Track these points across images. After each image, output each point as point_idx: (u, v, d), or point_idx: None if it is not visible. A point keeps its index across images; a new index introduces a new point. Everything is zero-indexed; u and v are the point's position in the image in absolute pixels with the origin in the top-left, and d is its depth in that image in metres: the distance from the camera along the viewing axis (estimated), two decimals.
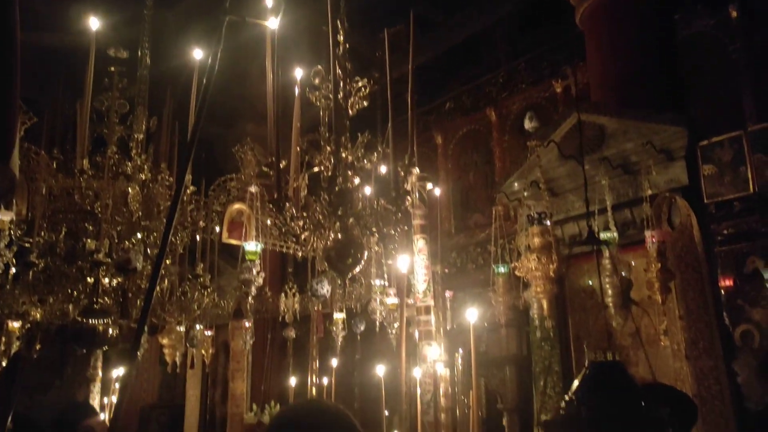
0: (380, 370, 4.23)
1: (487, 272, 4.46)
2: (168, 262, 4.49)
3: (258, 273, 3.13)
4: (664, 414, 1.70)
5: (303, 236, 2.53)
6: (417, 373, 3.90)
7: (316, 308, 4.59)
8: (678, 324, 3.51)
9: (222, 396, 6.50)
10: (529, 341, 4.38)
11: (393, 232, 2.64)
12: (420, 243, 3.51)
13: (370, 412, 6.01)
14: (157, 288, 4.34)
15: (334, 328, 5.00)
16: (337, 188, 2.56)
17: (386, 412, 4.29)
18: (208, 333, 5.81)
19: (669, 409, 1.78)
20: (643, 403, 1.69)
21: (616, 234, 3.43)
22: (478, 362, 4.39)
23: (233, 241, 3.62)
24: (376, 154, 2.63)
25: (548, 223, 3.51)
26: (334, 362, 4.88)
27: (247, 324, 5.45)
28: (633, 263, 3.83)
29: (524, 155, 4.58)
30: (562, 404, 1.75)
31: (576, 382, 1.78)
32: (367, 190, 2.61)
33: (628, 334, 3.75)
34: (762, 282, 3.76)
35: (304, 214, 2.40)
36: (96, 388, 5.33)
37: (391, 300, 4.36)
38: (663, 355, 3.66)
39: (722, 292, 3.77)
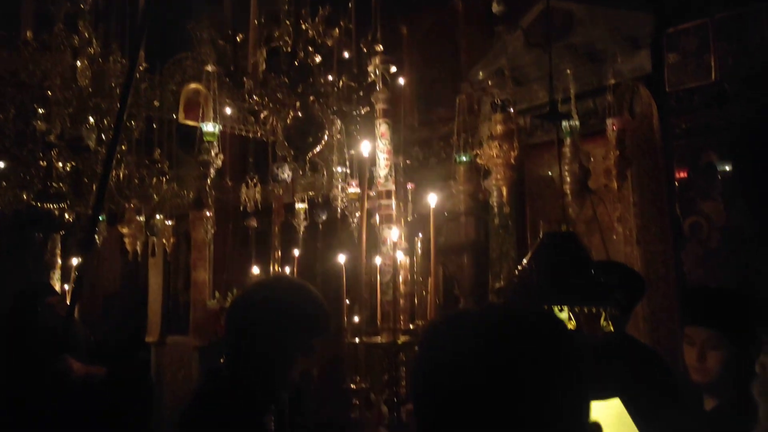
0: (341, 258, 4.29)
1: (449, 166, 4.47)
2: (123, 148, 4.38)
3: (217, 155, 3.08)
4: (613, 283, 1.76)
5: (262, 115, 2.47)
6: (378, 261, 3.97)
7: (276, 192, 4.57)
8: (631, 211, 3.61)
9: (184, 284, 6.56)
10: (488, 229, 4.47)
11: (355, 112, 2.60)
12: (383, 127, 3.47)
13: (331, 301, 6.15)
14: (114, 173, 4.25)
15: (296, 219, 5.01)
16: (297, 64, 2.49)
17: (347, 301, 4.39)
18: (169, 223, 5.78)
19: (618, 281, 1.85)
20: (593, 271, 1.75)
21: (578, 122, 3.44)
22: (437, 250, 4.48)
23: (190, 122, 3.53)
24: (338, 30, 2.53)
25: (511, 110, 3.50)
26: (296, 252, 4.93)
27: (208, 214, 5.43)
28: (592, 156, 3.87)
29: (491, 46, 4.49)
30: (516, 272, 1.80)
31: (530, 252, 1.82)
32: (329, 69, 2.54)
33: (583, 221, 3.85)
34: (715, 175, 3.86)
35: (263, 92, 2.33)
36: (56, 275, 5.31)
37: (353, 189, 4.36)
38: (615, 242, 3.78)
39: (676, 184, 3.87)
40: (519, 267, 1.81)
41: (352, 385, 3.61)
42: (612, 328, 1.72)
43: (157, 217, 5.56)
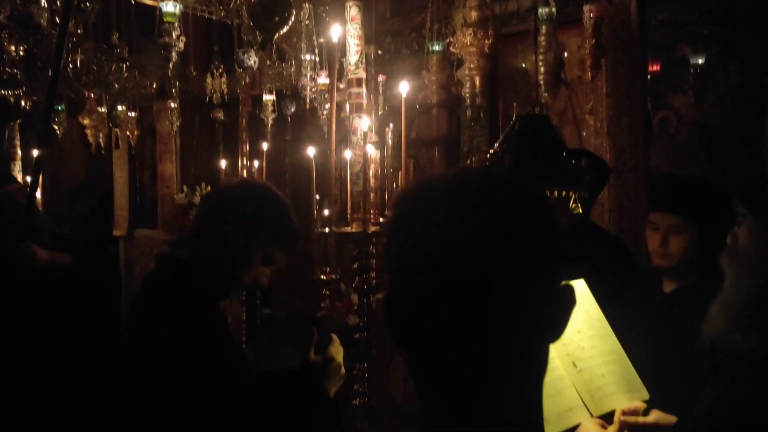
0: (311, 152, 4.23)
1: (421, 58, 4.34)
2: (79, 32, 4.15)
3: (178, 37, 2.93)
4: (584, 165, 1.76)
5: None
6: (348, 155, 3.92)
7: (243, 83, 4.43)
8: (604, 102, 3.59)
9: (151, 178, 6.46)
10: (459, 122, 4.43)
11: None
12: (353, 10, 3.32)
13: (301, 198, 6.14)
14: (70, 58, 4.05)
15: (264, 111, 4.89)
16: None
17: (317, 196, 4.37)
18: (132, 114, 5.61)
19: (586, 165, 1.84)
20: (565, 154, 1.74)
21: (554, 9, 3.33)
22: (408, 143, 4.44)
23: (149, 2, 3.33)
24: None
25: None
26: (265, 146, 4.84)
27: (172, 105, 5.27)
28: (567, 47, 3.79)
29: None
30: (488, 156, 1.78)
31: (502, 135, 1.80)
32: None
33: (555, 113, 3.82)
34: (688, 68, 3.83)
35: None
36: (17, 167, 5.17)
37: (322, 80, 4.24)
38: (586, 135, 3.78)
39: (648, 77, 3.84)
40: (491, 150, 1.79)
41: (323, 276, 3.65)
42: (580, 210, 1.74)
43: (120, 108, 5.38)
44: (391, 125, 3.79)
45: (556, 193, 1.69)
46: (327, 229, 3.39)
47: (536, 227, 0.74)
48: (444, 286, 0.71)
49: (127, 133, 5.61)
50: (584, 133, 3.81)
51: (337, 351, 1.63)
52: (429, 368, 0.76)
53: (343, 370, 1.63)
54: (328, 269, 3.67)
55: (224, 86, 4.98)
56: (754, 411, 1.29)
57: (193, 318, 1.48)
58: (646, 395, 1.86)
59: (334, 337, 1.67)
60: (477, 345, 0.71)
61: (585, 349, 1.83)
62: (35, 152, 5.10)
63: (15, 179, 3.36)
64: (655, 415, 1.71)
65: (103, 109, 5.41)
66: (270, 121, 4.97)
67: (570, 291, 0.77)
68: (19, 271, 2.46)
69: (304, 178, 5.65)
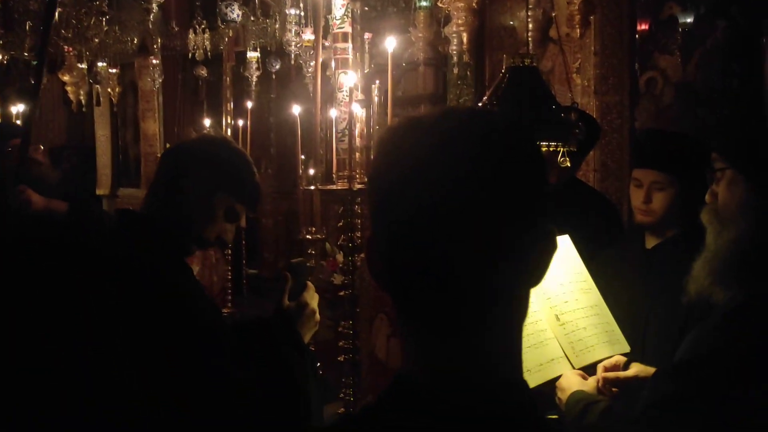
0: (296, 110, 4.18)
1: (408, 16, 4.28)
2: None
3: None
4: (574, 119, 1.75)
5: None
6: (333, 114, 3.88)
7: (227, 38, 4.35)
8: (591, 60, 3.56)
9: (134, 136, 6.37)
10: (446, 80, 4.39)
11: None
12: None
13: (286, 157, 6.10)
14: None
15: (248, 69, 4.81)
16: None
17: (302, 156, 4.34)
18: (113, 71, 5.50)
19: (576, 120, 1.83)
20: (554, 107, 1.73)
21: None
22: (395, 101, 4.40)
23: None
24: None
25: None
26: (249, 104, 4.78)
27: (154, 61, 5.17)
28: (556, 4, 3.74)
29: None
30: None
31: (491, 88, 1.78)
32: None
33: (542, 72, 3.79)
34: (676, 27, 3.81)
35: None
36: None
37: (308, 36, 4.16)
38: (572, 94, 3.76)
39: (636, 36, 3.82)
40: (479, 103, 1.77)
41: (308, 236, 3.64)
42: (569, 164, 1.74)
43: (100, 64, 5.28)
44: (377, 82, 3.76)
45: (544, 146, 1.69)
46: (312, 187, 3.38)
47: (521, 164, 0.73)
48: (428, 224, 0.70)
49: (109, 90, 5.52)
50: (569, 94, 3.79)
51: (312, 297, 1.63)
52: (412, 308, 0.76)
53: (317, 316, 1.63)
54: (314, 229, 3.67)
55: (207, 42, 4.89)
56: (724, 358, 1.32)
57: (156, 271, 1.46)
58: (626, 348, 1.89)
59: (309, 283, 1.66)
60: (458, 284, 0.71)
61: (568, 302, 1.85)
62: (14, 108, 5.01)
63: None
64: (635, 369, 1.75)
65: (84, 66, 5.31)
66: (254, 79, 4.89)
67: (552, 235, 0.77)
68: (12, 217, 2.41)
69: (290, 137, 5.60)
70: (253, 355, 1.50)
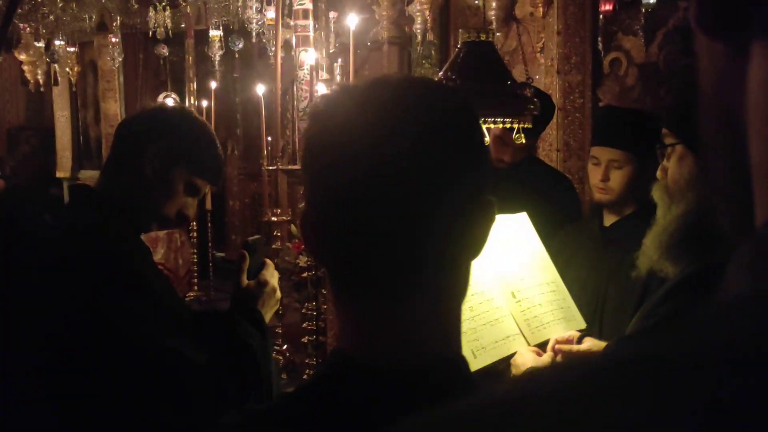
0: (260, 90, 4.12)
1: None
2: None
3: None
4: (529, 95, 1.74)
5: None
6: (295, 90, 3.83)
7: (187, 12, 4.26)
8: (555, 40, 3.56)
9: (95, 117, 6.23)
10: (411, 60, 4.36)
11: None
12: None
13: (252, 138, 6.02)
14: None
15: (211, 48, 4.72)
16: None
17: (269, 138, 4.29)
18: (71, 49, 5.36)
19: (532, 96, 1.82)
20: (509, 83, 1.72)
21: None
22: (358, 79, 4.35)
23: None
24: None
25: None
26: (213, 84, 4.70)
27: (113, 39, 5.05)
28: None
29: None
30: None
31: (447, 64, 1.76)
32: None
33: (506, 52, 3.79)
34: (639, 8, 3.82)
35: None
36: None
37: (271, 14, 4.10)
38: (536, 74, 3.77)
39: (600, 17, 3.83)
40: (434, 79, 1.75)
41: (273, 218, 3.61)
42: (524, 141, 1.73)
43: (58, 42, 5.14)
44: (340, 61, 3.72)
45: (500, 122, 1.68)
46: (273, 167, 3.34)
47: (455, 131, 0.72)
48: (360, 192, 0.69)
49: (67, 69, 5.37)
50: (537, 76, 3.80)
51: (272, 275, 1.57)
52: (347, 281, 0.74)
53: (278, 293, 1.58)
54: (279, 211, 3.63)
55: (168, 20, 4.78)
56: (674, 327, 1.32)
57: (105, 249, 1.39)
58: (582, 324, 1.91)
59: (268, 261, 1.60)
60: (392, 253, 0.70)
61: (524, 279, 1.85)
62: None
63: None
64: (588, 343, 1.76)
65: (41, 44, 5.16)
66: (218, 58, 4.80)
67: (491, 206, 0.75)
68: None
69: (256, 118, 5.53)
70: (214, 337, 1.47)
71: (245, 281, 1.52)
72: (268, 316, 1.54)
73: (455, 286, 0.75)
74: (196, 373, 1.33)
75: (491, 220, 0.75)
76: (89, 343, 1.31)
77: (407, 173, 0.68)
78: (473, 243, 0.74)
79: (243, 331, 1.43)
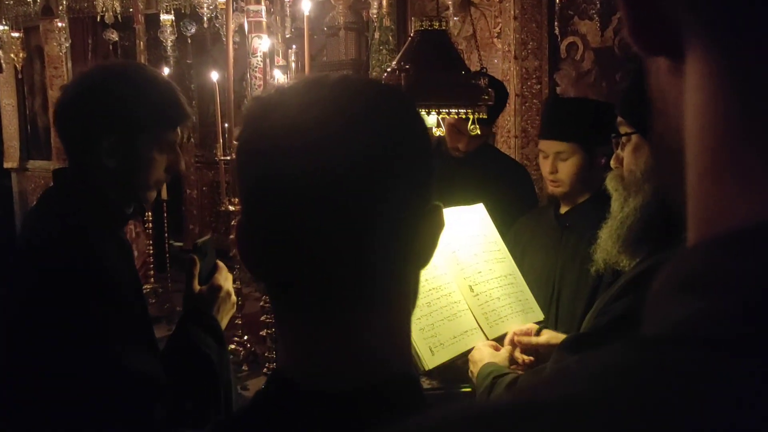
0: (214, 76, 4.02)
1: None
2: None
3: None
4: (483, 85, 1.70)
5: None
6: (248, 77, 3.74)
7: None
8: (511, 25, 3.54)
9: (42, 105, 6.01)
10: (369, 45, 4.31)
11: None
12: None
13: (210, 126, 5.90)
14: None
15: (162, 32, 4.58)
16: None
17: (225, 125, 4.21)
18: (16, 35, 5.15)
19: (486, 85, 1.79)
20: (463, 72, 1.68)
21: None
22: (318, 67, 4.28)
23: None
24: None
25: None
26: (166, 70, 4.56)
27: (59, 24, 4.87)
28: None
29: None
30: (384, 74, 1.69)
31: (400, 53, 1.72)
32: None
33: (464, 38, 3.76)
34: None
35: None
36: None
37: None
38: (494, 59, 3.75)
39: (557, 1, 3.82)
40: (388, 68, 1.71)
41: (231, 207, 3.53)
42: (479, 132, 1.70)
43: (1, 27, 4.93)
44: (294, 47, 3.63)
45: (454, 113, 1.64)
46: (229, 158, 3.25)
47: (399, 134, 0.67)
48: (299, 203, 0.64)
49: (12, 56, 5.16)
50: (495, 60, 3.78)
51: (225, 278, 1.48)
52: (287, 298, 0.70)
53: (234, 297, 1.50)
54: (236, 200, 3.56)
55: (117, 4, 4.61)
56: (624, 328, 1.31)
57: (85, 260, 1.28)
58: (540, 316, 1.89)
59: (220, 263, 1.51)
60: (333, 266, 0.65)
61: (482, 272, 1.83)
62: None
63: None
64: (546, 335, 1.75)
65: None
66: (170, 44, 4.65)
67: (438, 212, 0.71)
68: None
69: (213, 105, 5.41)
70: (169, 348, 1.38)
71: (197, 287, 1.43)
72: (224, 322, 1.46)
73: (404, 297, 0.71)
74: (154, 392, 1.25)
75: (440, 226, 0.71)
76: (43, 357, 1.22)
77: (348, 180, 0.63)
78: (421, 251, 0.70)
79: (200, 341, 1.36)
